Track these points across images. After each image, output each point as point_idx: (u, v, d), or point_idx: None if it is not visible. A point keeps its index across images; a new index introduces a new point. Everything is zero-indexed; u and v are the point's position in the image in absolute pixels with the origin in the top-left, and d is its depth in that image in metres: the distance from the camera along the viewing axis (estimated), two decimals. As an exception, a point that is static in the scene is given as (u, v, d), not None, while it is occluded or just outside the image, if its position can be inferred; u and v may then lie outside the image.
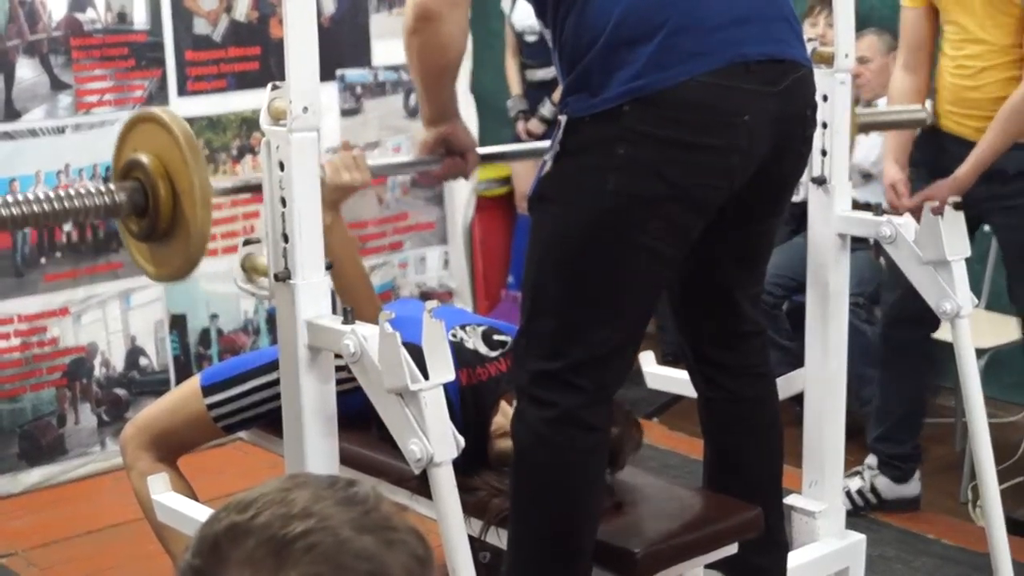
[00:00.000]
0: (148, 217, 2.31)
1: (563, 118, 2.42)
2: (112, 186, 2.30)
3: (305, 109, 2.26)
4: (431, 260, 5.25)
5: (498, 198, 6.11)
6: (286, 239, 2.30)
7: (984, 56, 3.70)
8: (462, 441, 2.23)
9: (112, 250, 4.38)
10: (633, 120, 2.34)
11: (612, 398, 2.52)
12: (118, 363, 4.47)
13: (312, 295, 2.31)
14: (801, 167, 2.69)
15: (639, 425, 2.79)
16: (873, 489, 4.09)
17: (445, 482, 2.20)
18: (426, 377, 2.18)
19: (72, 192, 2.28)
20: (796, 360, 3.57)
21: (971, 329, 2.91)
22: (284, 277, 2.31)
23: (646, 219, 2.38)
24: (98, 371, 4.43)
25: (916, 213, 3.05)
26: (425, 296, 5.22)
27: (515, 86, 5.93)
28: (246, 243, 2.43)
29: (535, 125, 5.95)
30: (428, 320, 2.19)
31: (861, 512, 4.01)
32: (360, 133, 4.94)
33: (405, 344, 2.20)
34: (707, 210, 2.44)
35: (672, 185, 2.37)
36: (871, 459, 4.12)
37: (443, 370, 2.20)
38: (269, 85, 2.33)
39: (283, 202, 2.29)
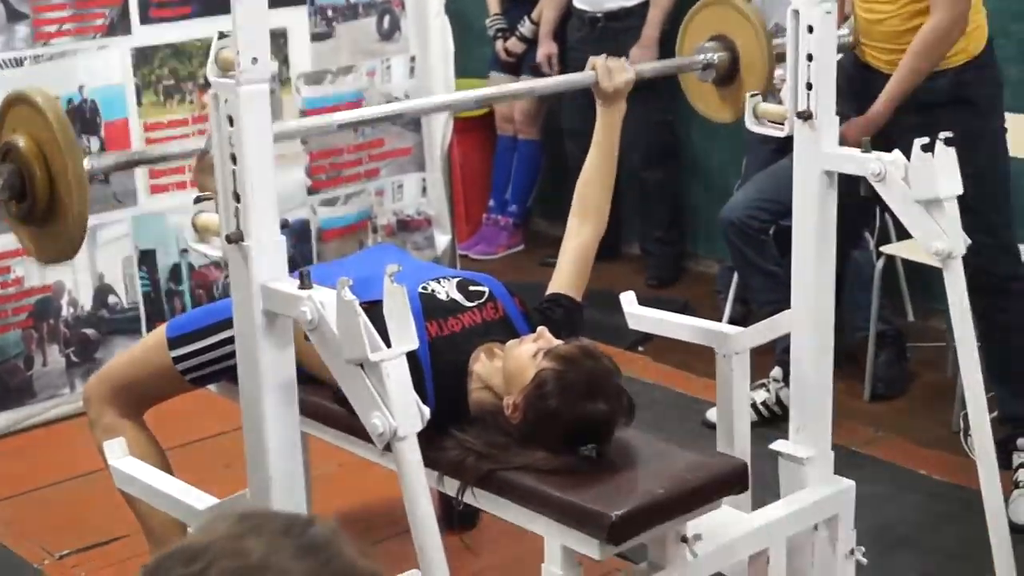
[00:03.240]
0: (27, 200, 2.21)
1: None
2: None
3: (255, 60, 2.12)
4: (409, 187, 5.09)
5: (476, 119, 5.95)
6: (238, 198, 2.17)
7: None
8: (427, 412, 2.11)
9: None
10: None
11: None
12: (86, 302, 4.35)
13: (267, 257, 2.18)
14: None
15: (632, 404, 2.65)
16: (778, 401, 4.16)
17: (410, 456, 2.09)
18: (388, 345, 2.06)
19: None
20: (781, 286, 3.46)
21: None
22: (237, 239, 2.18)
23: None
24: (65, 311, 4.32)
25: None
26: (403, 225, 5.08)
27: (493, 4, 5.77)
28: (197, 200, 2.30)
29: (514, 44, 5.79)
30: (389, 286, 2.07)
31: (766, 422, 4.06)
32: (332, 58, 4.78)
33: (372, 303, 2.07)
34: None
35: None
36: (776, 371, 4.21)
37: (406, 338, 2.08)
38: (216, 33, 2.19)
39: (233, 159, 2.16)
